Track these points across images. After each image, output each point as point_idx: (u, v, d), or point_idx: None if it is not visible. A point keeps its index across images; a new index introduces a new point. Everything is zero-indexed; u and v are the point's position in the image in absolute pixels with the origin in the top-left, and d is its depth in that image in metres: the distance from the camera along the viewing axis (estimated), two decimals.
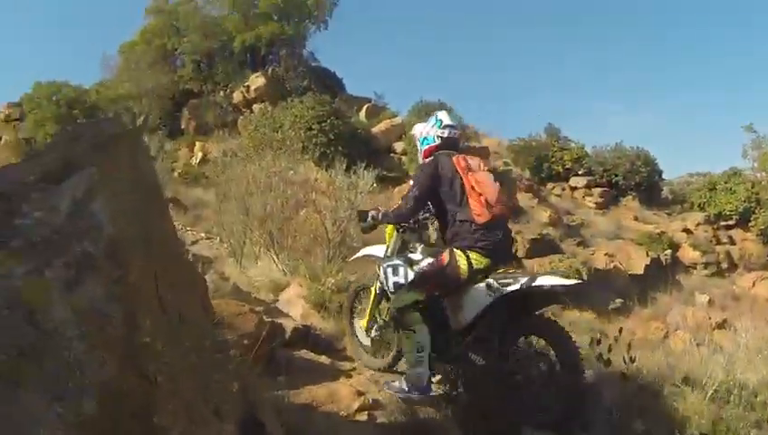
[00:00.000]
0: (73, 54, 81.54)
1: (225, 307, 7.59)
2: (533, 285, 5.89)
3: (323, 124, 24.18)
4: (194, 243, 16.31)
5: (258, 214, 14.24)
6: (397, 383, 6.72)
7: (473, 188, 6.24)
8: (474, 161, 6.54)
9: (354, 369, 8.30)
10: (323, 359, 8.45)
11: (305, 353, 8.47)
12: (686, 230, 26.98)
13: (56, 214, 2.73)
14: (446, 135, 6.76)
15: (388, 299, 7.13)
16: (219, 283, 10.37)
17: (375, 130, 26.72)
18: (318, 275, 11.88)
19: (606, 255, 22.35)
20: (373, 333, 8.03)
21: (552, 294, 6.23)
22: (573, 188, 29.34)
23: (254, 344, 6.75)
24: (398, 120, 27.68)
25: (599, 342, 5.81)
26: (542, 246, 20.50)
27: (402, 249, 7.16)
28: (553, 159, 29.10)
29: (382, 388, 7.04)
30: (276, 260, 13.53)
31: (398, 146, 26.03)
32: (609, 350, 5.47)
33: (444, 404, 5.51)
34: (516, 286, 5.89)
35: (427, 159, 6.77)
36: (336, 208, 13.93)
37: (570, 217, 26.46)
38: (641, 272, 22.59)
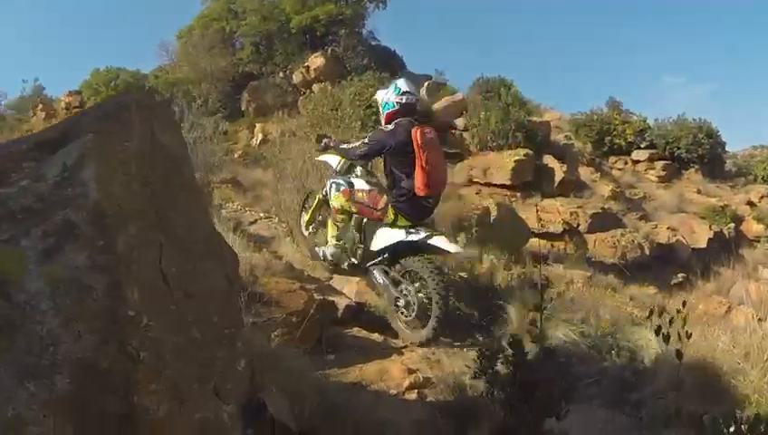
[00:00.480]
0: (131, 42, 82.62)
1: (274, 285, 7.70)
2: (428, 242, 8.22)
3: None
4: (252, 223, 16.08)
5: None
6: (317, 250, 9.75)
7: (422, 166, 7.89)
8: (431, 135, 8.24)
9: (407, 347, 8.29)
10: (375, 336, 8.50)
11: (357, 331, 8.55)
12: (750, 203, 26.51)
13: (43, 182, 2.70)
14: (404, 101, 8.45)
15: (328, 206, 9.50)
16: (272, 261, 10.16)
17: (435, 106, 26.12)
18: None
19: (668, 229, 21.93)
20: (311, 229, 10.83)
21: (438, 249, 8.36)
22: (635, 162, 28.88)
23: (301, 322, 6.82)
24: (458, 96, 27.14)
25: (660, 314, 5.49)
26: (603, 221, 20.00)
27: (348, 170, 9.46)
28: (615, 133, 28.54)
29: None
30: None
31: (459, 122, 25.39)
32: (670, 323, 5.15)
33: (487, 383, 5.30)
34: (415, 238, 8.24)
35: (389, 126, 8.50)
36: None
37: (632, 190, 26.00)
38: (704, 246, 22.20)
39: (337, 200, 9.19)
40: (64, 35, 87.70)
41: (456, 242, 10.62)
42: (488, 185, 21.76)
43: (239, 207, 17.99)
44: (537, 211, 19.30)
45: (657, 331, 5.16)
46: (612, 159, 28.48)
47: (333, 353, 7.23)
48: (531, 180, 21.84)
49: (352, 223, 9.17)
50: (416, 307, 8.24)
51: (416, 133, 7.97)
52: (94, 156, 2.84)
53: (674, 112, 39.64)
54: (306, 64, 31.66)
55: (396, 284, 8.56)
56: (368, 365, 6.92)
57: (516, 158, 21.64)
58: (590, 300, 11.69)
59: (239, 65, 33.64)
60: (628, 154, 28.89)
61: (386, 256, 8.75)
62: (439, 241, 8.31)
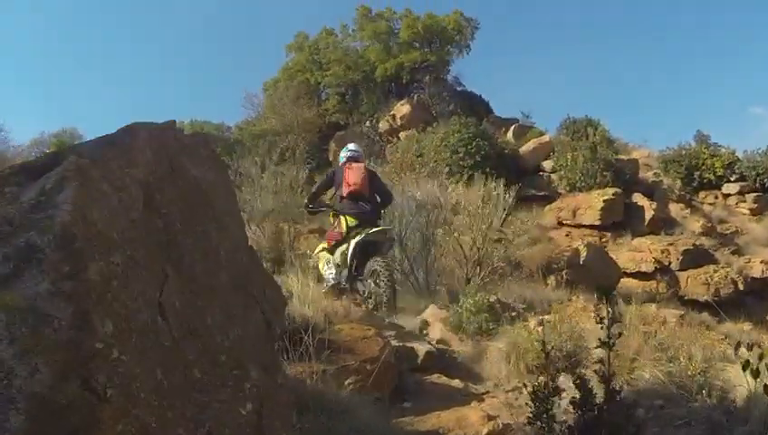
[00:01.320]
0: (216, 96, 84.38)
1: (348, 331, 7.54)
2: (370, 235, 10.87)
3: (469, 147, 23.79)
4: None
5: (398, 236, 13.88)
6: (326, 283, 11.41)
7: (345, 178, 11.21)
8: (356, 164, 11.66)
9: (488, 392, 8.08)
10: (456, 383, 8.22)
11: (437, 378, 8.29)
12: None
13: (17, 205, 2.52)
14: (348, 156, 12.02)
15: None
16: (351, 308, 9.98)
17: (523, 149, 26.16)
18: (457, 296, 11.76)
19: (762, 262, 20.94)
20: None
21: (380, 244, 11.19)
22: (726, 196, 27.83)
23: (376, 369, 6.64)
24: (545, 138, 27.05)
25: (749, 348, 5.26)
26: (695, 257, 19.51)
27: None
28: (704, 167, 27.72)
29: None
30: (416, 284, 13.26)
31: (547, 164, 25.33)
32: (760, 358, 4.93)
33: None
34: (361, 238, 10.81)
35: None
36: (472, 227, 13.54)
37: (723, 225, 25.24)
38: None
39: (318, 249, 12.60)
40: (151, 85, 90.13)
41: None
42: (578, 226, 21.53)
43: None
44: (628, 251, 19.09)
45: (745, 366, 4.99)
46: (702, 193, 27.64)
47: (411, 401, 7.05)
48: (621, 220, 21.53)
49: (333, 256, 11.60)
50: (374, 296, 10.79)
51: (347, 166, 11.68)
52: (76, 178, 2.66)
53: (762, 143, 38.63)
54: (392, 113, 31.83)
55: (363, 283, 11.07)
56: (446, 412, 6.63)
57: (605, 197, 21.43)
58: (681, 339, 11.43)
59: (325, 116, 33.94)
60: (719, 188, 27.90)
61: (355, 264, 11.09)
62: (374, 230, 11.10)
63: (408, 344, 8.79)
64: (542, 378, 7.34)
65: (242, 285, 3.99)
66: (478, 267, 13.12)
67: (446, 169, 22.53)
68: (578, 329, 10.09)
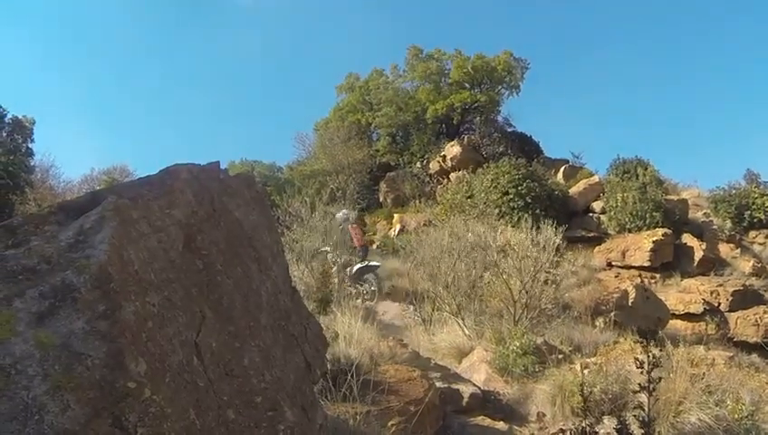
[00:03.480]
0: (268, 136, 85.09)
1: (393, 373, 7.74)
2: (367, 263, 18.15)
3: (519, 188, 23.79)
4: (386, 312, 16.28)
5: (445, 279, 14.15)
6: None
7: (353, 235, 18.44)
8: (355, 226, 19.09)
9: None
10: (500, 425, 8.39)
11: (482, 420, 8.41)
12: None
13: (55, 244, 2.60)
14: (343, 218, 18.89)
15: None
16: (397, 349, 10.30)
17: (573, 190, 26.11)
18: (504, 338, 11.71)
19: None
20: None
21: (372, 267, 18.22)
22: None
23: (420, 411, 6.72)
24: (595, 178, 26.96)
25: None
26: (745, 298, 19.24)
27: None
28: (754, 207, 27.18)
29: None
30: (462, 325, 13.26)
31: (597, 205, 25.26)
32: None
33: None
34: (362, 264, 17.92)
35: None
36: (521, 269, 13.46)
37: None
38: None
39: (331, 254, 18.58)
40: (205, 124, 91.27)
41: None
42: (627, 267, 21.44)
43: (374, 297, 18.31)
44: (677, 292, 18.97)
45: None
46: (752, 233, 27.08)
47: None
48: (670, 260, 21.38)
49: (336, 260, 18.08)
50: (368, 293, 17.52)
51: (350, 227, 18.77)
52: (114, 218, 2.76)
53: None
54: (443, 153, 31.89)
55: (361, 285, 17.78)
56: None
57: (655, 238, 21.33)
58: (729, 382, 11.33)
59: (376, 156, 34.24)
60: None
61: (357, 273, 17.96)
62: (371, 261, 18.80)
63: (454, 386, 8.97)
64: (585, 422, 7.47)
65: (283, 326, 4.11)
66: (525, 309, 13.10)
67: (496, 210, 22.71)
68: (624, 372, 10.10)
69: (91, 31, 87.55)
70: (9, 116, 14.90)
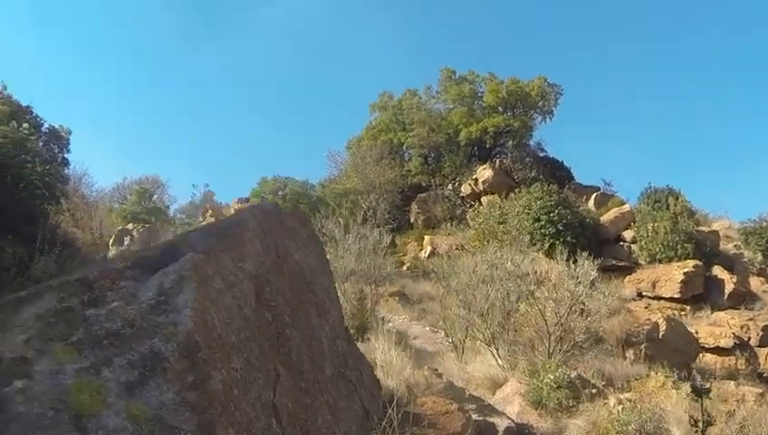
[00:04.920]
0: (300, 152, 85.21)
1: (431, 405, 7.68)
2: None
3: (551, 214, 23.81)
4: (417, 337, 16.35)
5: (480, 307, 14.07)
6: None
7: None
8: None
9: None
10: None
11: None
12: None
13: (136, 305, 2.58)
14: None
15: None
16: (432, 379, 10.26)
17: (604, 218, 26.11)
18: (537, 370, 11.70)
19: None
20: None
21: None
22: None
23: None
24: (626, 207, 27.03)
25: None
26: None
27: None
28: None
29: None
30: (496, 355, 13.24)
31: (628, 234, 25.24)
32: None
33: None
34: None
35: None
36: (557, 300, 13.46)
37: None
38: None
39: None
40: (235, 142, 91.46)
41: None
42: (657, 298, 21.36)
43: (405, 320, 18.34)
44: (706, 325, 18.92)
45: None
46: None
47: None
48: (701, 292, 21.29)
49: None
50: None
51: None
52: (194, 279, 2.74)
53: None
54: (475, 177, 31.96)
55: None
56: None
57: (685, 270, 21.29)
58: (761, 419, 11.32)
59: (408, 177, 34.18)
60: None
61: None
62: None
63: (489, 419, 8.95)
64: None
65: (342, 373, 4.15)
66: (560, 342, 13.15)
67: (528, 236, 22.75)
68: (658, 410, 10.15)
69: (119, 43, 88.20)
70: (46, 126, 14.87)
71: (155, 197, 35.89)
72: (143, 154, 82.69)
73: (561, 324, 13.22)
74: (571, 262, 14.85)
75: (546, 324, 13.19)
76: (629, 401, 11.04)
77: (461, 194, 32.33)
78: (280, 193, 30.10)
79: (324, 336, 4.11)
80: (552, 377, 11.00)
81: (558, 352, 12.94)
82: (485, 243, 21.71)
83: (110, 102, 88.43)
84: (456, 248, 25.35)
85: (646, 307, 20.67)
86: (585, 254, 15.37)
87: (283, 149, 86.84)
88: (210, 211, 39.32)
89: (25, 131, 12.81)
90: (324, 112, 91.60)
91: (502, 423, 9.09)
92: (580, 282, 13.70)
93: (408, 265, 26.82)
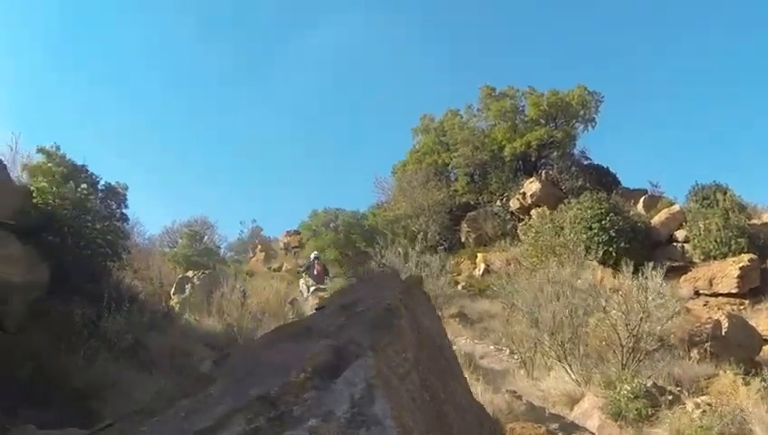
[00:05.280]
0: (345, 182, 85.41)
1: (520, 431, 8.05)
2: (315, 287, 24.68)
3: (603, 222, 23.93)
4: (482, 356, 16.65)
5: (548, 324, 14.24)
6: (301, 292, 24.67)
7: (315, 268, 25.88)
8: (318, 262, 26.37)
9: None
10: None
11: None
12: None
13: (333, 422, 2.54)
14: (314, 257, 26.76)
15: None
16: (513, 402, 10.49)
17: (654, 221, 26.22)
18: (613, 382, 11.85)
19: None
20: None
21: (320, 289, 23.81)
22: None
23: None
24: (676, 207, 27.03)
25: None
26: None
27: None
28: None
29: None
30: (569, 370, 13.40)
31: (680, 234, 25.31)
32: None
33: None
34: (312, 287, 24.95)
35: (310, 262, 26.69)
36: (627, 313, 13.63)
37: None
38: None
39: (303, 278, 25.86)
40: (279, 174, 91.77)
41: None
42: (715, 295, 21.41)
43: (467, 340, 18.59)
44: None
45: None
46: None
47: None
48: (758, 285, 21.32)
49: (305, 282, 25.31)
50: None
51: (315, 263, 25.86)
52: (381, 385, 2.72)
53: None
54: (522, 191, 32.07)
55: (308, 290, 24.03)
56: None
57: (741, 264, 21.33)
58: None
59: (455, 197, 34.34)
60: None
61: (312, 291, 24.10)
62: (320, 286, 24.33)
63: None
64: None
65: (481, 428, 4.26)
66: (632, 353, 13.34)
67: (581, 245, 23.02)
68: (738, 411, 10.39)
69: (153, 78, 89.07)
70: (102, 183, 15.07)
71: (206, 238, 36.39)
72: (187, 195, 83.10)
73: (634, 335, 13.40)
74: (640, 275, 15.04)
75: (619, 337, 13.41)
76: (707, 404, 11.28)
77: (510, 209, 32.51)
78: (332, 225, 30.19)
79: (463, 399, 4.12)
80: (628, 388, 11.19)
81: (631, 362, 13.12)
82: (543, 258, 21.99)
83: (149, 144, 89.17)
84: (510, 263, 25.65)
85: (704, 305, 20.83)
86: (650, 265, 15.56)
87: (327, 180, 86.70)
88: (260, 246, 39.83)
89: (84, 191, 13.16)
90: (366, 140, 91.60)
91: None
92: (648, 293, 13.94)
93: (464, 284, 26.96)
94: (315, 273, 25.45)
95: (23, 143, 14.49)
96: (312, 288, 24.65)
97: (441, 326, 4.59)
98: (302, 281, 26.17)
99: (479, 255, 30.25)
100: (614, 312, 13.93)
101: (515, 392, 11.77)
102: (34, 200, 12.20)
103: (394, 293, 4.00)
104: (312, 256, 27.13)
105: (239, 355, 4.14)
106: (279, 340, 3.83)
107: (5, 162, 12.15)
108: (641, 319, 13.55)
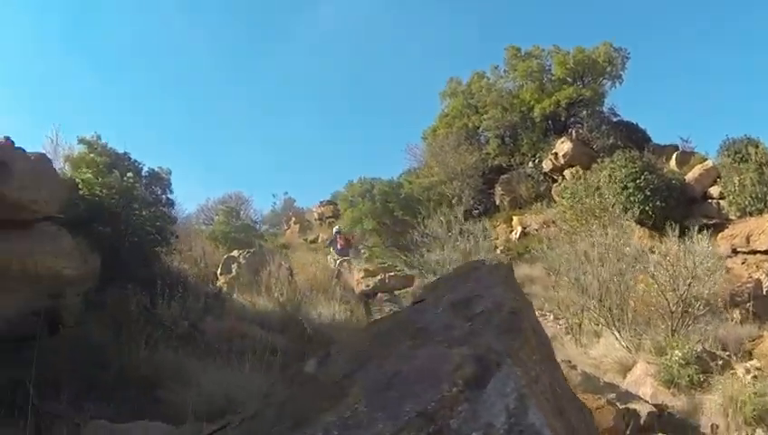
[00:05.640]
0: (376, 152, 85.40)
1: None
2: (343, 258, 25.79)
3: (638, 181, 23.87)
4: None
5: (594, 290, 14.27)
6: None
7: (337, 241, 26.71)
8: (340, 236, 27.08)
9: None
10: None
11: None
12: None
13: (493, 433, 2.57)
14: (335, 231, 27.72)
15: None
16: (569, 372, 10.54)
17: (688, 177, 26.05)
18: (663, 348, 11.95)
19: None
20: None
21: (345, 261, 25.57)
22: None
23: None
24: (708, 163, 26.83)
25: None
26: None
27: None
28: None
29: None
30: (619, 337, 13.43)
31: (714, 190, 25.19)
32: None
33: None
34: (338, 259, 25.81)
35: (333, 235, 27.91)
36: (675, 277, 13.64)
37: None
38: None
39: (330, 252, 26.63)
40: (307, 145, 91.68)
41: None
42: (753, 252, 21.12)
43: None
44: None
45: None
46: None
47: None
48: None
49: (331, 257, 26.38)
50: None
51: (338, 236, 26.75)
52: (532, 395, 2.76)
53: None
54: (554, 151, 32.04)
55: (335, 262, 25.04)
56: None
57: None
58: None
59: (487, 160, 34.32)
60: None
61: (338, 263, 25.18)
62: (346, 258, 25.90)
63: (631, 406, 9.29)
64: (760, 431, 8.03)
65: (581, 418, 4.11)
66: (681, 318, 13.38)
67: (621, 207, 22.95)
68: None
69: (176, 60, 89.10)
70: (146, 169, 15.07)
71: (242, 214, 36.91)
72: (217, 169, 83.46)
73: (683, 300, 13.43)
74: (685, 238, 15.09)
75: (667, 301, 13.44)
76: (757, 368, 11.38)
77: (543, 170, 32.52)
78: (367, 195, 30.25)
79: (568, 390, 4.12)
80: (679, 354, 11.28)
81: (680, 327, 13.17)
82: (583, 221, 22.01)
83: (178, 120, 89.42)
84: (547, 225, 25.76)
85: (743, 263, 20.52)
86: (696, 228, 15.65)
87: (357, 150, 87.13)
88: (294, 218, 40.12)
89: (130, 180, 13.35)
90: (392, 109, 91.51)
91: (643, 409, 9.44)
92: (697, 257, 14.00)
93: (502, 248, 27.06)
94: (339, 247, 26.58)
95: (62, 134, 14.56)
96: (337, 261, 25.65)
97: (533, 311, 4.55)
98: (329, 256, 27.05)
99: (515, 218, 30.41)
100: (661, 276, 13.88)
101: (570, 362, 11.82)
102: (81, 192, 12.37)
103: (505, 290, 4.05)
104: (334, 230, 28.45)
105: (349, 357, 4.14)
106: (392, 341, 3.81)
107: (48, 155, 12.18)
108: (689, 284, 13.54)
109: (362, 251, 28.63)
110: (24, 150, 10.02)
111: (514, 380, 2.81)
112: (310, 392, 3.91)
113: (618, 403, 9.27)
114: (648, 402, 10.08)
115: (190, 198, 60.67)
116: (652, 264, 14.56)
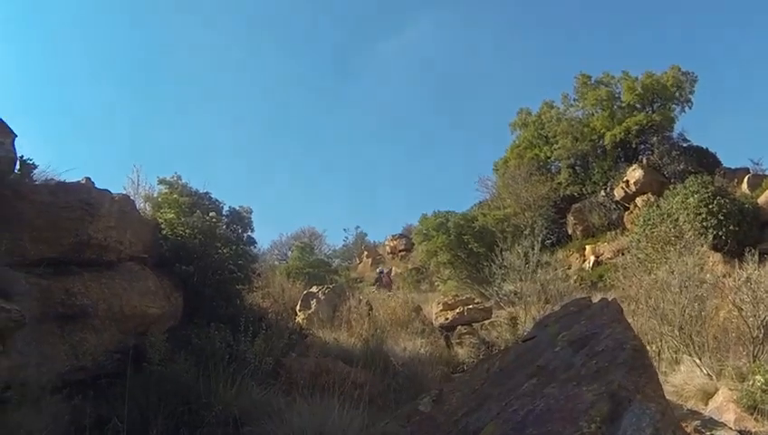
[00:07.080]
0: (446, 185, 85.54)
1: None
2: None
3: (711, 206, 23.81)
4: None
5: (675, 317, 14.16)
6: None
7: (383, 280, 33.23)
8: (386, 274, 35.18)
9: None
10: None
11: None
12: None
13: None
14: (378, 272, 35.19)
15: None
16: None
17: (761, 200, 25.78)
18: (744, 374, 11.80)
19: None
20: None
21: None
22: None
23: None
24: None
25: None
26: None
27: None
28: None
29: None
30: (699, 363, 13.27)
31: None
32: None
33: None
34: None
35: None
36: (756, 303, 13.45)
37: None
38: None
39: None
40: (379, 179, 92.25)
41: None
42: None
43: None
44: None
45: None
46: None
47: None
48: None
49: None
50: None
51: (381, 276, 34.21)
52: (664, 430, 3.05)
53: None
54: (625, 179, 32.04)
55: None
56: None
57: None
58: None
59: (558, 189, 34.43)
60: None
61: None
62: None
63: (717, 433, 9.33)
64: None
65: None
66: (762, 343, 13.08)
67: (691, 232, 22.55)
68: None
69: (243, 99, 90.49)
70: (226, 208, 15.15)
71: (315, 249, 37.36)
72: (288, 206, 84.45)
73: (765, 326, 13.18)
74: (751, 263, 14.92)
75: (749, 328, 13.29)
76: None
77: (614, 199, 32.55)
78: (442, 228, 30.23)
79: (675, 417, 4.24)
80: (762, 379, 11.06)
81: (761, 353, 12.95)
82: (659, 248, 21.94)
83: (246, 157, 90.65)
84: (621, 254, 25.59)
85: None
86: None
87: (428, 182, 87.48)
88: (366, 253, 40.77)
89: (213, 219, 13.53)
90: (462, 141, 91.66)
91: None
92: None
93: (575, 277, 27.00)
94: (384, 284, 30.72)
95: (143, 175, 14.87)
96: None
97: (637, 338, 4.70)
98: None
99: (587, 247, 30.43)
100: (742, 302, 13.69)
101: None
102: (164, 232, 12.70)
103: (623, 328, 4.39)
104: (378, 270, 36.01)
105: (464, 395, 4.37)
106: (509, 379, 4.01)
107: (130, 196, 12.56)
108: None
109: (437, 284, 28.99)
110: (109, 192, 10.45)
111: (650, 415, 3.09)
112: (428, 430, 4.11)
113: (704, 430, 9.30)
114: (732, 429, 9.95)
115: (262, 234, 61.55)
116: (732, 290, 14.43)
